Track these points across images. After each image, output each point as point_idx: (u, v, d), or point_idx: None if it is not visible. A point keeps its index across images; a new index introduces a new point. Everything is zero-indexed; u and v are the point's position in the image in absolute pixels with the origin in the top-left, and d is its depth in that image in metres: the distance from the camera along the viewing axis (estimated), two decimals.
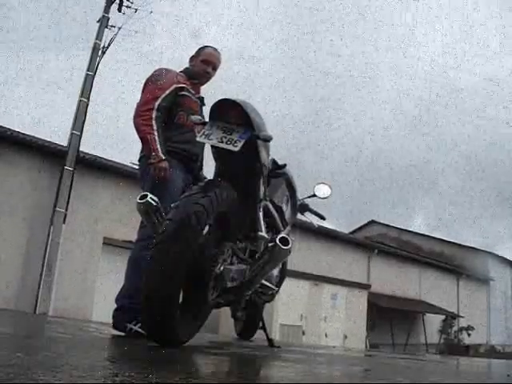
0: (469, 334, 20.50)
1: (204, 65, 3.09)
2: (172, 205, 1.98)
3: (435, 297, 20.29)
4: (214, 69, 3.15)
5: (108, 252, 10.36)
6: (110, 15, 11.45)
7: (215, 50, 3.16)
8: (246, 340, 3.53)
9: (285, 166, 2.95)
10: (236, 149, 2.07)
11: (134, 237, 2.87)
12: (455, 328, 20.93)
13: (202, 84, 3.17)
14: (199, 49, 3.16)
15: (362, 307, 15.59)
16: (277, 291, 3.08)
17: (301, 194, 3.42)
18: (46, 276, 9.47)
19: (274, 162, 2.86)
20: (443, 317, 20.69)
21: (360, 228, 27.28)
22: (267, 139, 2.25)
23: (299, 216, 3.53)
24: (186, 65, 3.18)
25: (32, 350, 1.54)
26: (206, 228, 2.00)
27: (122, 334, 2.65)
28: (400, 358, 4.19)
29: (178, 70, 3.08)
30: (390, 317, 17.42)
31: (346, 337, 14.72)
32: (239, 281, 2.17)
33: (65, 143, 10.41)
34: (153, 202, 2.05)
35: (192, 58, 3.15)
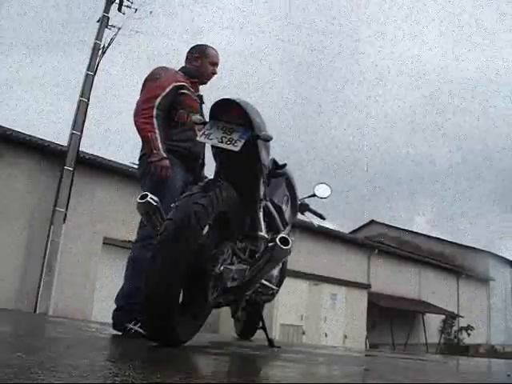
0: (469, 334, 20.50)
1: (212, 66, 3.15)
2: (172, 204, 1.98)
3: (435, 297, 20.28)
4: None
5: (108, 252, 10.35)
6: (109, 15, 11.45)
7: (215, 49, 3.18)
8: (245, 340, 3.53)
9: (285, 165, 2.96)
10: (236, 149, 2.07)
11: (133, 237, 2.87)
12: (455, 328, 20.93)
13: (204, 83, 3.18)
14: (201, 49, 3.14)
15: (362, 307, 15.60)
16: (277, 291, 3.07)
17: (301, 193, 3.42)
18: (46, 276, 9.47)
19: (274, 161, 2.86)
20: (443, 317, 20.69)
21: (360, 228, 27.27)
22: (267, 139, 2.25)
23: (299, 216, 3.53)
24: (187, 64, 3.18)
25: (32, 350, 1.54)
26: (206, 228, 2.00)
27: (121, 334, 2.65)
28: (400, 357, 4.19)
29: (176, 69, 3.08)
30: (390, 317, 17.42)
31: (346, 337, 14.73)
32: (239, 281, 2.17)
33: (65, 143, 10.41)
34: (153, 202, 2.05)
35: (197, 58, 3.12)
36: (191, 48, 3.18)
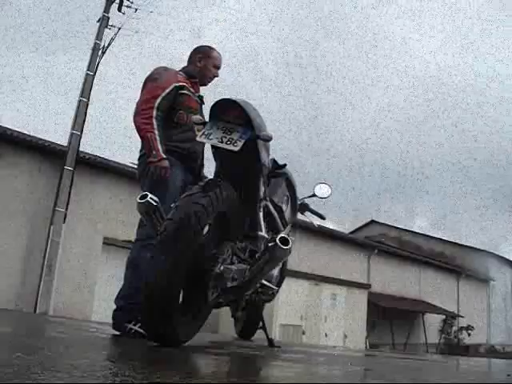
0: (469, 334, 20.51)
1: (215, 69, 3.18)
2: (172, 204, 1.98)
3: (435, 297, 20.30)
4: None
5: (108, 252, 10.35)
6: (109, 15, 11.45)
7: (219, 53, 3.20)
8: (246, 340, 3.53)
9: (285, 165, 2.95)
10: (236, 148, 2.07)
11: (133, 237, 2.87)
12: (455, 328, 20.94)
13: (205, 85, 3.19)
14: (206, 51, 3.14)
15: (362, 307, 15.59)
16: (277, 291, 3.07)
17: (301, 193, 3.42)
18: (46, 276, 9.46)
19: (274, 161, 2.85)
20: (443, 317, 20.70)
21: (360, 228, 27.28)
22: (267, 139, 2.25)
23: (299, 216, 3.53)
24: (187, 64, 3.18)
25: (32, 350, 1.54)
26: (206, 228, 2.01)
27: (121, 334, 2.64)
28: (400, 357, 4.19)
29: (177, 69, 3.08)
30: (390, 317, 17.41)
31: (346, 337, 14.72)
32: (239, 281, 2.17)
33: (65, 143, 10.41)
34: (153, 202, 2.05)
35: (201, 59, 3.12)
36: (195, 49, 3.18)
